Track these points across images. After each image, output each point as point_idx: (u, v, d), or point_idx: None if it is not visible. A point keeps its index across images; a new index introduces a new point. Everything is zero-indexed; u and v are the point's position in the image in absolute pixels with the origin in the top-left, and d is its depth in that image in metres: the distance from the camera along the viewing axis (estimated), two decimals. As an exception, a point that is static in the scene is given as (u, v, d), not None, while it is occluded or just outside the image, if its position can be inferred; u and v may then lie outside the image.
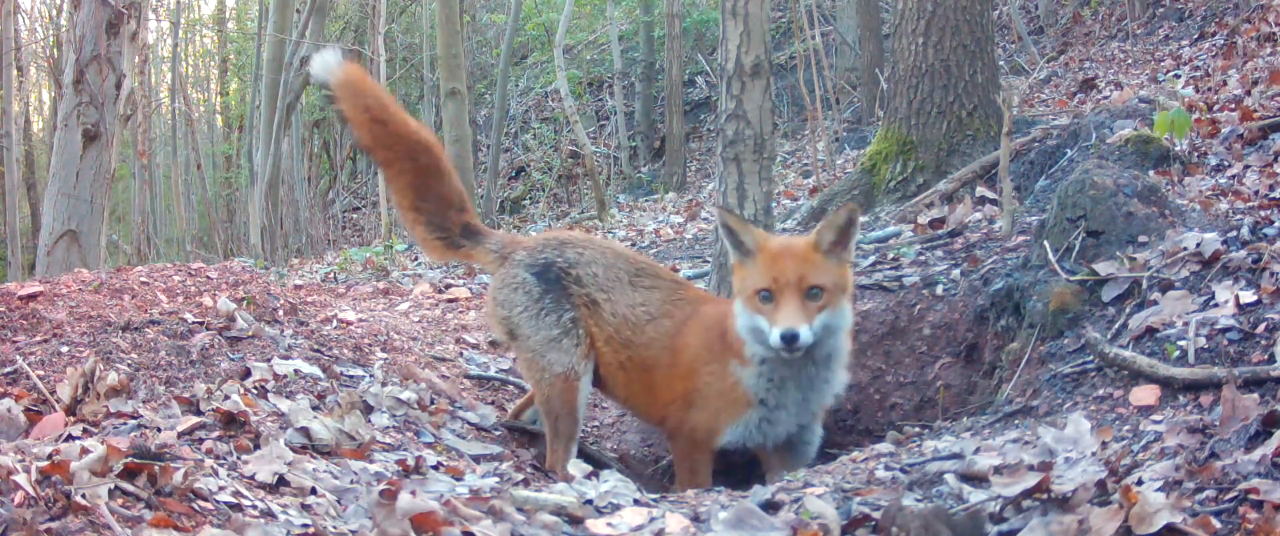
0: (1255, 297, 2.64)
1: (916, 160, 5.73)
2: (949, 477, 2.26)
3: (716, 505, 2.29)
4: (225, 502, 1.96)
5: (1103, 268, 3.10)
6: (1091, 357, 2.79)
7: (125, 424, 2.44)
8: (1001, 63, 8.69)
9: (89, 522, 1.71)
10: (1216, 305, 2.69)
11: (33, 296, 3.28)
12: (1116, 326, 2.88)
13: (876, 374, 3.90)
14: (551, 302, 3.19)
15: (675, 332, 3.18)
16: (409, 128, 3.30)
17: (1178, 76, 7.16)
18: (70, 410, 2.57)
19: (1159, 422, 2.35)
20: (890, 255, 4.48)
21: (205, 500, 1.94)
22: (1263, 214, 3.28)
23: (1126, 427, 2.40)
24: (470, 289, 5.27)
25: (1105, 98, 7.27)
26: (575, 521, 2.18)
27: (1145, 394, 2.51)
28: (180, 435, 2.34)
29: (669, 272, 3.41)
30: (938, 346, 3.83)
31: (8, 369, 2.83)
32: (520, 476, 2.89)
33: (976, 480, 2.23)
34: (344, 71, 3.26)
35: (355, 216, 17.51)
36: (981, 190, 5.27)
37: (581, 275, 3.22)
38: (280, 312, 3.65)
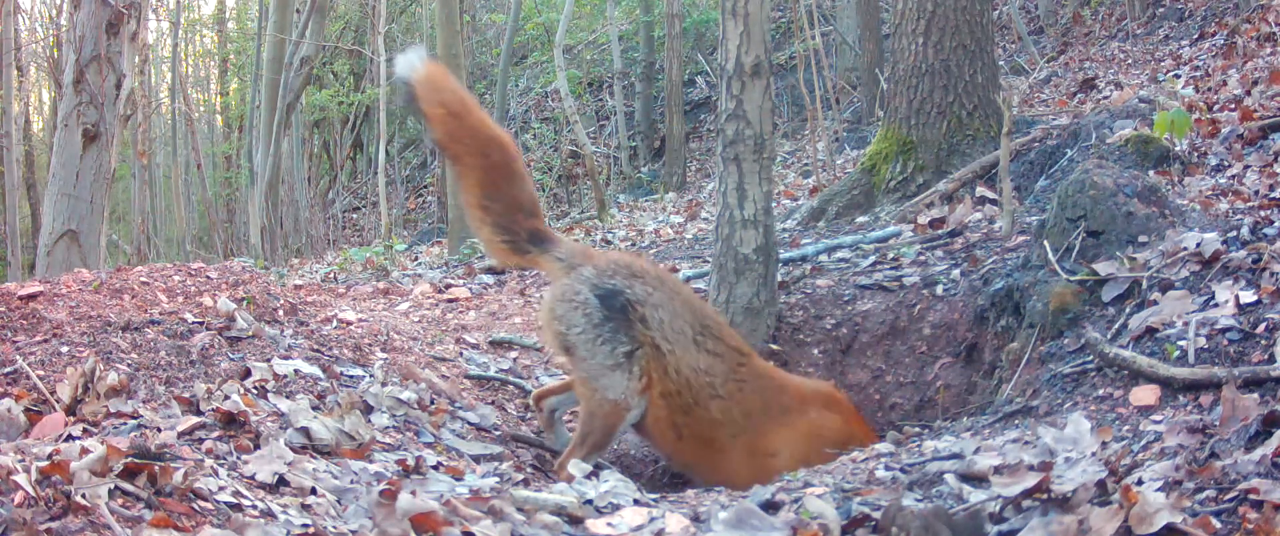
0: (1255, 297, 2.64)
1: (916, 160, 5.73)
2: (949, 477, 2.26)
3: (716, 505, 2.29)
4: (225, 502, 1.96)
5: (1103, 268, 3.11)
6: (1091, 357, 2.80)
7: (125, 424, 2.44)
8: (1001, 63, 8.69)
9: (89, 522, 1.71)
10: (1216, 305, 2.69)
11: (33, 296, 3.28)
12: (1116, 326, 2.88)
13: (876, 374, 3.90)
14: (611, 331, 3.10)
15: (753, 430, 3.12)
16: (485, 125, 3.28)
17: (1178, 76, 7.16)
18: (70, 410, 2.57)
19: (1159, 422, 2.35)
20: (890, 255, 4.48)
21: (205, 500, 1.94)
22: (1263, 214, 3.28)
23: (1126, 427, 2.40)
24: (470, 289, 5.27)
25: (1105, 98, 7.27)
26: (575, 521, 2.18)
27: (1145, 394, 2.51)
28: (180, 435, 2.34)
29: (730, 331, 3.31)
30: (938, 346, 3.83)
31: (8, 369, 2.83)
32: (520, 476, 2.89)
33: (976, 480, 2.23)
34: (426, 69, 3.27)
35: (355, 216, 17.51)
36: (981, 190, 5.27)
37: (648, 316, 3.12)
38: (280, 312, 3.65)
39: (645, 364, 3.11)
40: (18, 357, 2.86)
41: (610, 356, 3.09)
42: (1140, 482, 1.97)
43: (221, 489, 2.01)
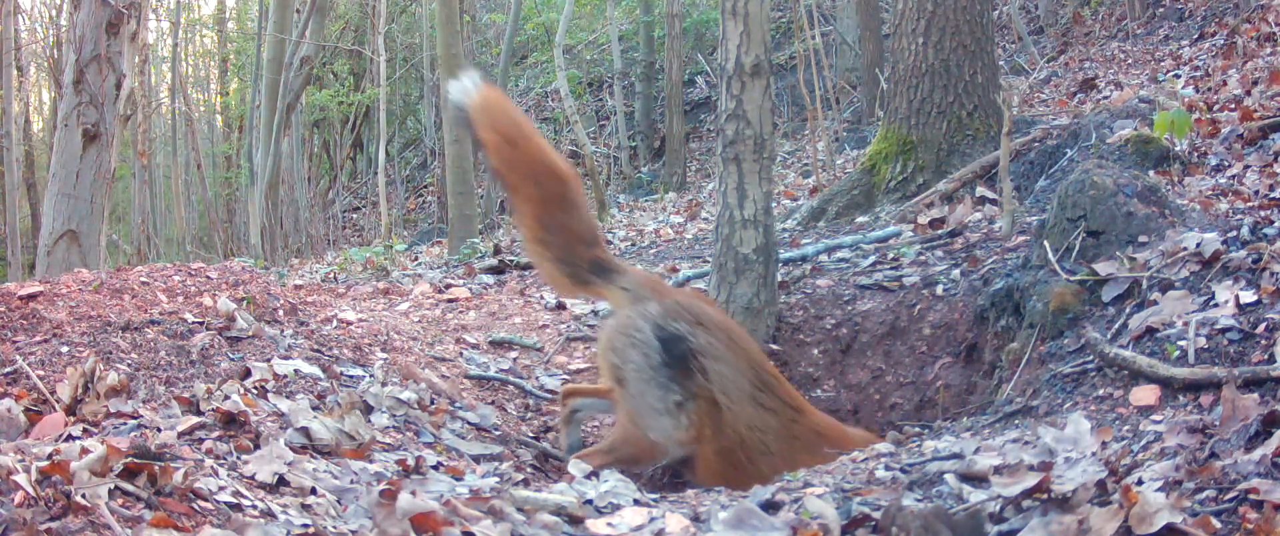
0: (1255, 297, 2.64)
1: (916, 160, 5.73)
2: (949, 477, 2.26)
3: (716, 505, 2.29)
4: (225, 502, 1.96)
5: (1103, 268, 3.11)
6: (1091, 357, 2.79)
7: (125, 424, 2.44)
8: (1001, 63, 8.69)
9: (89, 522, 1.70)
10: (1216, 305, 2.69)
11: (33, 296, 3.28)
12: (1116, 326, 2.88)
13: (876, 374, 3.90)
14: (667, 378, 3.00)
15: None
16: (543, 153, 3.17)
17: (1178, 76, 7.16)
18: (70, 410, 2.57)
19: (1159, 422, 2.35)
20: (890, 255, 4.48)
21: (205, 500, 1.94)
22: (1263, 214, 3.28)
23: (1126, 427, 2.40)
24: (470, 289, 5.26)
25: (1105, 98, 7.27)
26: (575, 521, 2.18)
27: (1145, 394, 2.51)
28: (180, 435, 2.34)
29: (786, 385, 3.20)
30: (938, 346, 3.83)
31: (8, 369, 2.84)
32: (520, 476, 2.89)
33: (976, 480, 2.23)
34: (481, 94, 3.18)
35: (355, 216, 17.51)
36: (981, 190, 5.27)
37: (708, 367, 3.01)
38: (280, 312, 3.65)
39: (696, 415, 3.00)
40: (18, 357, 2.86)
41: (661, 401, 2.98)
42: (1140, 482, 1.97)
43: (221, 489, 2.01)
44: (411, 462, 2.54)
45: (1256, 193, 3.89)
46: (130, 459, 1.91)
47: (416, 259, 8.46)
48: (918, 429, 3.26)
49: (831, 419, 3.27)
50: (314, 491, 2.16)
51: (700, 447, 3.02)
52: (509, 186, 3.23)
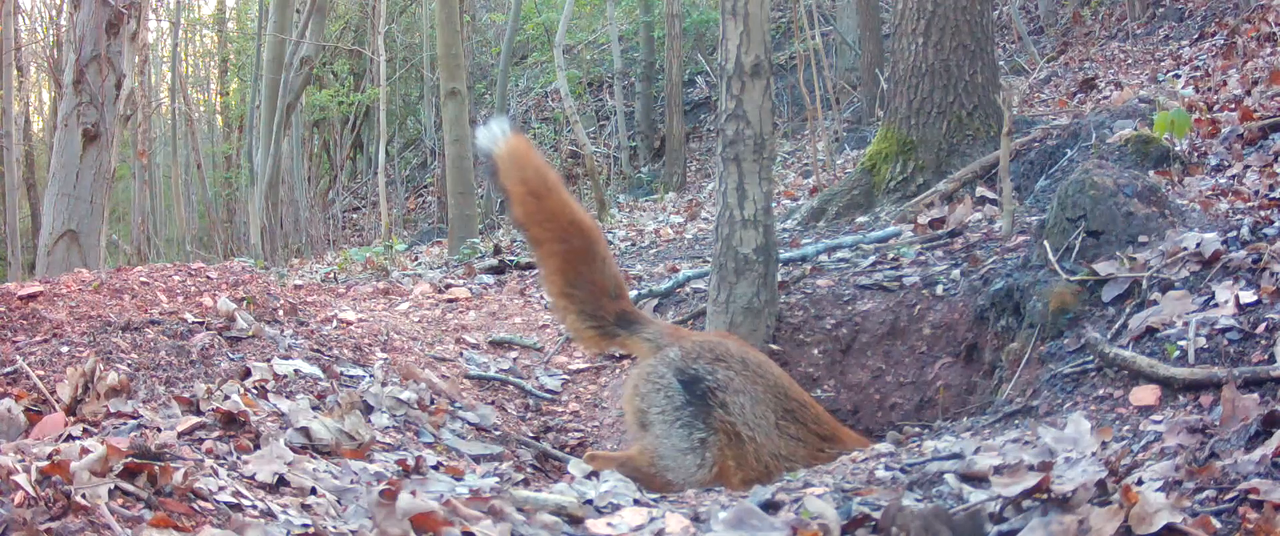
0: (1255, 298, 2.64)
1: (916, 160, 5.73)
2: (949, 477, 2.26)
3: (716, 505, 2.29)
4: (225, 502, 1.96)
5: (1103, 268, 3.11)
6: (1091, 357, 2.79)
7: (125, 424, 2.44)
8: (1001, 63, 8.69)
9: (89, 522, 1.71)
10: (1216, 305, 2.69)
11: (33, 296, 3.28)
12: (1116, 326, 2.88)
13: (876, 374, 3.90)
14: (690, 416, 3.03)
15: None
16: (566, 207, 3.17)
17: (1178, 76, 7.16)
18: (70, 410, 2.57)
19: (1159, 422, 2.35)
20: (890, 255, 4.48)
21: (205, 500, 1.94)
22: (1263, 214, 3.28)
23: (1126, 427, 2.40)
24: (470, 289, 5.27)
25: (1105, 98, 7.27)
26: (575, 521, 2.18)
27: (1145, 394, 2.50)
28: (180, 435, 2.34)
29: (816, 413, 3.17)
30: (938, 346, 3.83)
31: (8, 369, 2.84)
32: (520, 476, 2.89)
33: (976, 480, 2.23)
34: (508, 143, 3.16)
35: (355, 216, 17.51)
36: (981, 190, 5.27)
37: (728, 401, 3.03)
38: (280, 312, 3.65)
39: (718, 451, 3.02)
40: (18, 357, 2.86)
41: (686, 440, 3.01)
42: (1140, 482, 1.97)
43: (221, 489, 2.01)
44: (411, 462, 2.54)
45: (1256, 193, 3.89)
46: (130, 459, 1.91)
47: (416, 259, 8.46)
48: (918, 429, 3.26)
49: (866, 441, 3.24)
50: (314, 491, 2.16)
51: (728, 480, 3.02)
52: (533, 239, 3.21)
